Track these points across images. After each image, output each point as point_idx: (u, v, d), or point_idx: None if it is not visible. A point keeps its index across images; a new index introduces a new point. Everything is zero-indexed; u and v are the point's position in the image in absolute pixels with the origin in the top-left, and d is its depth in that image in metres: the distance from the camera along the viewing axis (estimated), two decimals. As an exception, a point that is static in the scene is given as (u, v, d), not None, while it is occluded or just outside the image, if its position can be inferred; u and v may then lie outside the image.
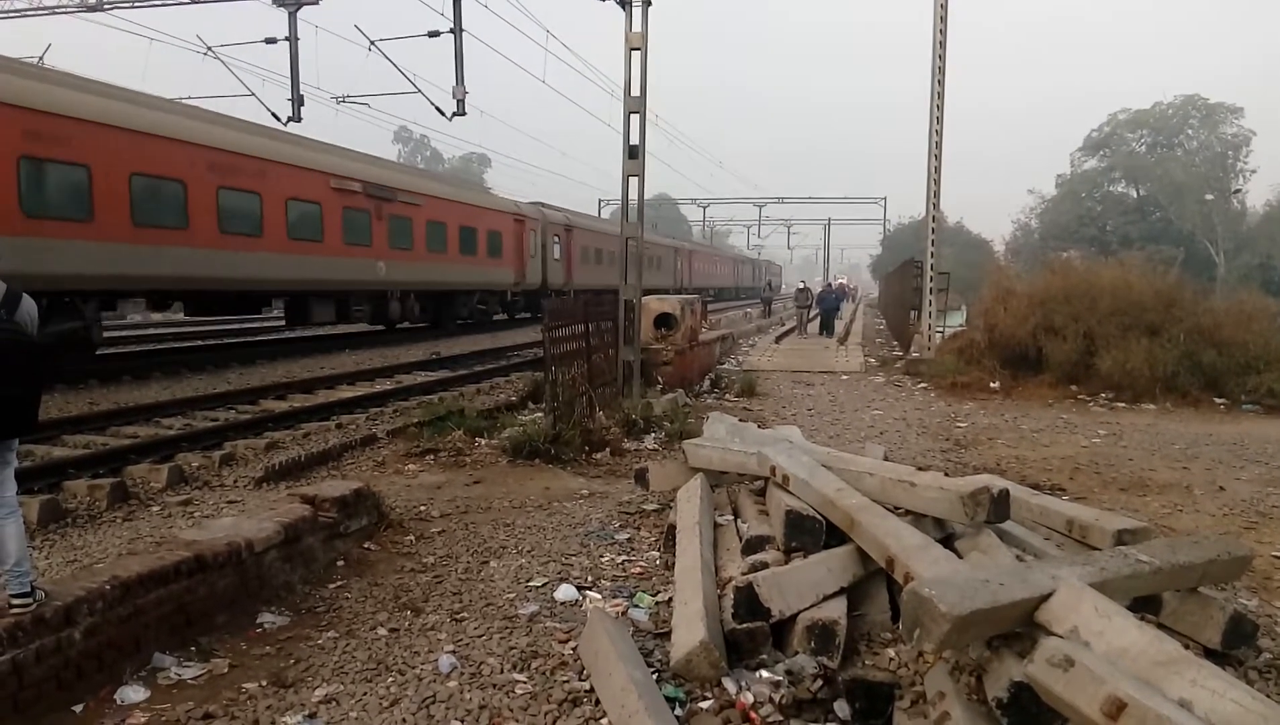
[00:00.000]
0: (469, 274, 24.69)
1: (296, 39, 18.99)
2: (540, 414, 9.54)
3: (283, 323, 24.49)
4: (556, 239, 31.28)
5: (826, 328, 27.38)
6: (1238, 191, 54.01)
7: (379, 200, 19.74)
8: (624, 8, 11.09)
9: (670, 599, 4.49)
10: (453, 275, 23.63)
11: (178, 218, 14.22)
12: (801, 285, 30.98)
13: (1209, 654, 3.61)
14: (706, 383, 14.61)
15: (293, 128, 19.32)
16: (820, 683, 3.52)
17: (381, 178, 20.42)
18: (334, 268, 18.43)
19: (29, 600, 3.43)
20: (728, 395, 13.62)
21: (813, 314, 28.30)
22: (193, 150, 14.55)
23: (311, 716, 3.44)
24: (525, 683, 3.71)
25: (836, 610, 3.88)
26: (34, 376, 3.46)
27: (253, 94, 20.16)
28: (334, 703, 3.56)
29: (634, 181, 11.47)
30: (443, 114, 18.92)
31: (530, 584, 4.96)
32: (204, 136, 14.94)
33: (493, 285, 26.53)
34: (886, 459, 7.10)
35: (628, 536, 5.91)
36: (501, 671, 3.83)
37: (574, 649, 4.00)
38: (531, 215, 29.07)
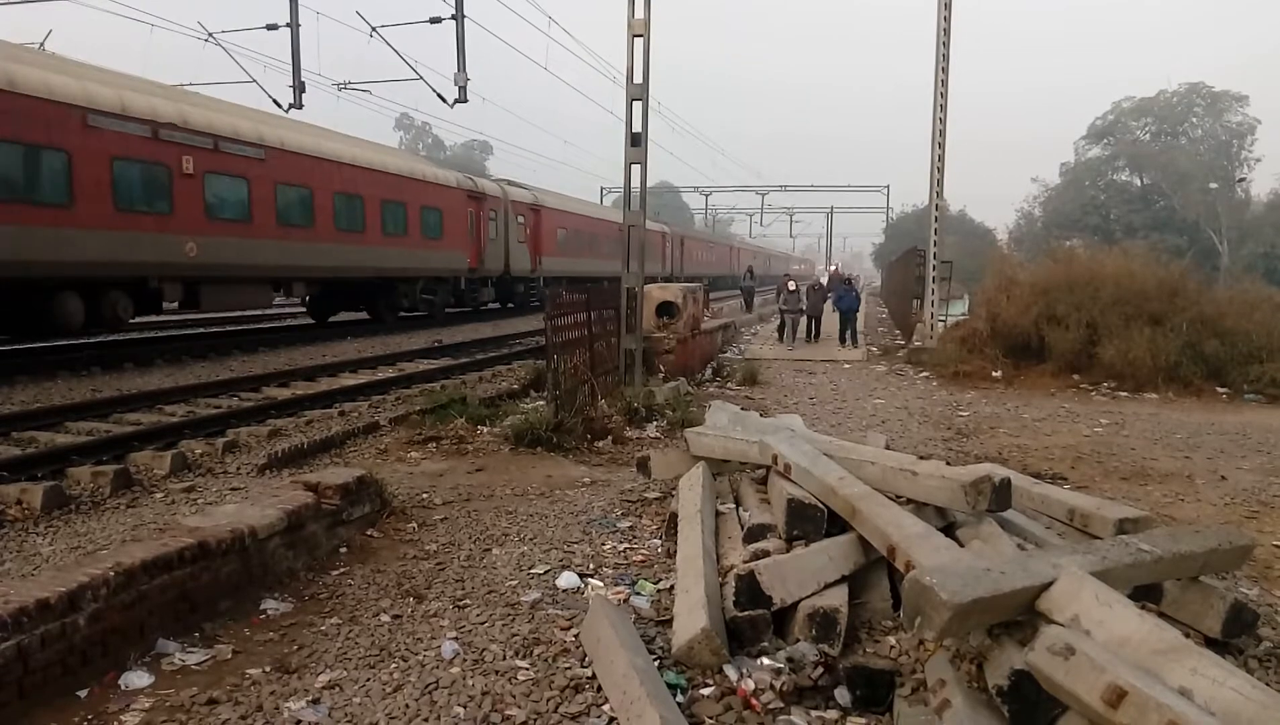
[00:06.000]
0: (404, 258, 21.01)
1: (298, 25, 18.94)
2: (542, 402, 9.54)
3: (285, 310, 24.51)
4: (522, 220, 27.46)
5: (848, 334, 20.44)
6: (1242, 180, 53.73)
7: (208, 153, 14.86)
8: (626, -6, 11.01)
9: (672, 587, 4.50)
10: (377, 260, 19.96)
11: None
12: (790, 285, 20.11)
13: (1209, 643, 3.62)
14: (708, 371, 14.62)
15: (294, 115, 19.27)
16: (821, 670, 3.54)
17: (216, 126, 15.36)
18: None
19: None
20: (730, 384, 13.63)
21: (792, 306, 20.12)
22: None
23: (315, 702, 3.46)
24: (527, 669, 3.72)
25: (838, 598, 3.89)
26: None
27: (254, 80, 20.14)
28: (337, 688, 3.58)
29: (636, 169, 11.42)
30: (444, 101, 18.90)
31: (532, 571, 4.98)
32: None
33: (438, 271, 22.76)
34: (888, 448, 7.10)
35: (629, 524, 5.92)
36: (504, 658, 3.84)
37: (576, 636, 4.02)
38: (491, 192, 25.57)
